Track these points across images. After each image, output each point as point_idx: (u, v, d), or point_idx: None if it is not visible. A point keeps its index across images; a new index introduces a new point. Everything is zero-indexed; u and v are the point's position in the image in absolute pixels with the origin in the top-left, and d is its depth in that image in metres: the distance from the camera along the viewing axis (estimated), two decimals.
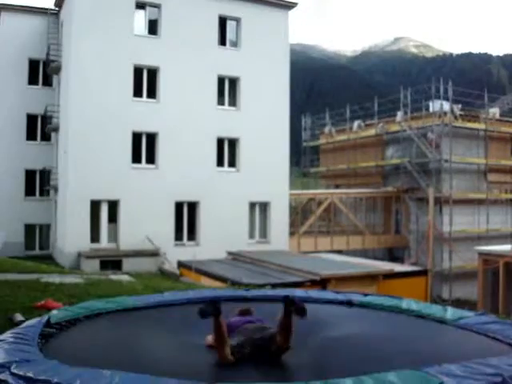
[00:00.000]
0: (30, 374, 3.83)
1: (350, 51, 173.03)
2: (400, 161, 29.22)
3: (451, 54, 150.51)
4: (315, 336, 5.93)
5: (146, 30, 23.77)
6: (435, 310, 6.96)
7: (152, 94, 23.62)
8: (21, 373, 3.89)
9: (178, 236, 23.90)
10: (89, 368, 3.94)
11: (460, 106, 29.55)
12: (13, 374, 3.91)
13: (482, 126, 29.23)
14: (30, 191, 27.25)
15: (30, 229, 26.96)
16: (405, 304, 7.18)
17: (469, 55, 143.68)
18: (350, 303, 7.58)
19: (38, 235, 27.47)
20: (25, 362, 4.17)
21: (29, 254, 25.42)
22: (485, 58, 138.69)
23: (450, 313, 6.62)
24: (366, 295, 7.99)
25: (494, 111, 31.72)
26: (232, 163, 25.19)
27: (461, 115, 29.12)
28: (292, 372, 4.78)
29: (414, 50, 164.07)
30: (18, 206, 26.04)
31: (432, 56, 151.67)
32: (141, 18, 23.61)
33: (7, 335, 5.09)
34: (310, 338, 5.76)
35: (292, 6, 26.45)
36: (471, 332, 5.99)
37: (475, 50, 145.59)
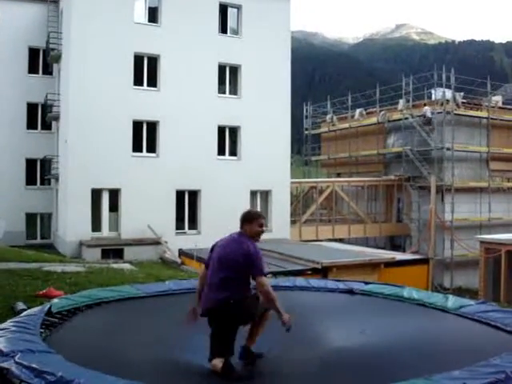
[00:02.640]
0: (34, 365, 3.85)
1: (351, 38, 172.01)
2: (402, 149, 29.11)
3: (453, 41, 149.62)
4: (317, 325, 5.93)
5: (146, 18, 23.59)
6: (436, 298, 6.97)
7: (152, 82, 23.49)
8: (25, 363, 3.91)
9: (179, 225, 23.90)
10: (91, 365, 3.93)
11: (462, 93, 29.38)
12: (17, 364, 3.93)
13: (484, 113, 29.06)
14: (30, 180, 27.25)
15: (31, 218, 26.99)
16: (406, 292, 7.19)
17: (471, 42, 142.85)
18: (351, 292, 7.59)
19: (39, 224, 27.51)
20: (29, 352, 4.19)
21: (30, 243, 25.48)
22: (487, 45, 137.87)
23: (451, 301, 6.62)
24: (367, 283, 7.99)
25: (497, 99, 31.55)
26: (233, 152, 25.12)
27: (463, 103, 28.95)
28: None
29: (416, 37, 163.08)
30: (18, 195, 26.03)
31: (434, 43, 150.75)
32: (141, 6, 23.43)
33: (9, 324, 5.11)
34: (312, 328, 5.75)
35: None
36: (471, 320, 5.99)
37: (478, 37, 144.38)
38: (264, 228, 4.99)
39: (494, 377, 3.64)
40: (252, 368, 4.68)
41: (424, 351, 4.89)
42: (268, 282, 4.69)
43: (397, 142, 30.54)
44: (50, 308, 5.94)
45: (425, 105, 28.54)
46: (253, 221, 4.87)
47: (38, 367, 3.80)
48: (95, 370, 3.87)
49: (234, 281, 4.63)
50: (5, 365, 3.97)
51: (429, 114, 27.71)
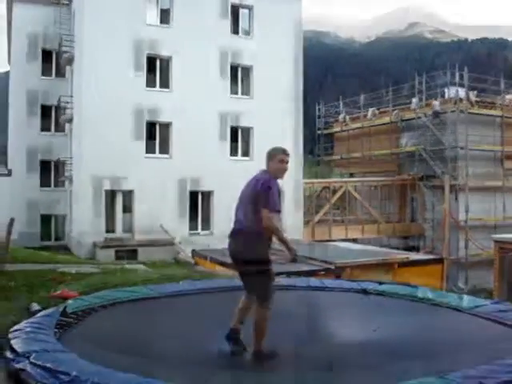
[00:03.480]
0: (49, 365, 3.85)
1: (363, 37, 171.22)
2: (415, 148, 28.92)
3: (466, 40, 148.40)
4: (330, 324, 5.92)
5: (158, 20, 23.69)
6: (450, 298, 6.92)
7: (165, 83, 23.58)
8: (40, 363, 3.91)
9: (193, 225, 23.95)
10: (106, 364, 3.94)
11: (476, 92, 29.14)
12: (32, 364, 3.94)
13: (498, 112, 28.81)
14: (45, 182, 27.48)
15: (45, 219, 27.22)
16: (420, 292, 7.14)
17: (484, 41, 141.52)
18: (365, 292, 7.56)
19: (53, 226, 27.73)
20: (44, 352, 4.19)
21: (44, 244, 25.64)
22: (501, 44, 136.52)
23: (466, 301, 6.57)
24: (381, 284, 7.95)
25: (511, 97, 31.24)
26: (245, 152, 25.13)
27: (476, 102, 28.72)
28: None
29: (428, 36, 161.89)
30: (33, 197, 26.28)
31: (447, 41, 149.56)
32: (153, 8, 23.54)
33: (24, 324, 5.14)
34: (325, 327, 5.75)
35: None
36: (486, 320, 5.95)
37: (491, 35, 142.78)
38: (286, 164, 5.00)
39: (510, 376, 3.60)
40: (264, 362, 4.70)
41: (439, 350, 4.86)
42: (272, 216, 4.67)
43: (410, 141, 30.35)
44: (65, 308, 5.98)
45: (435, 99, 28.44)
46: (272, 157, 4.95)
47: (53, 367, 3.80)
48: (110, 368, 3.89)
49: (250, 214, 4.75)
50: (20, 365, 3.98)
51: (437, 108, 27.56)
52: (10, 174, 26.41)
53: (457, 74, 27.65)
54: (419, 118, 28.70)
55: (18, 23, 26.49)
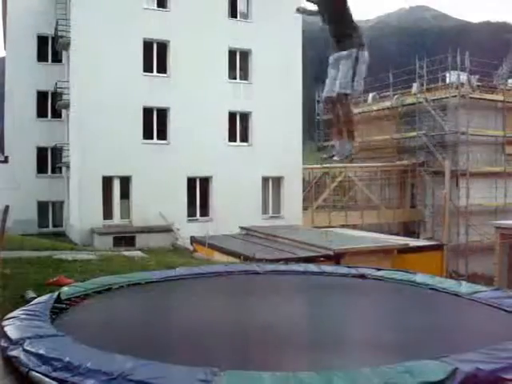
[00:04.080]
0: (41, 351, 3.84)
1: (364, 21, 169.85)
2: (416, 133, 28.70)
3: (469, 23, 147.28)
4: (328, 307, 5.86)
5: (155, 3, 23.39)
6: (449, 284, 6.85)
7: (162, 68, 23.34)
8: (33, 349, 3.91)
9: (191, 212, 23.83)
10: (100, 349, 3.91)
11: (477, 76, 28.86)
12: (25, 351, 3.94)
13: (500, 97, 28.54)
14: (42, 169, 27.32)
15: (42, 206, 27.12)
16: (418, 278, 7.08)
17: (487, 24, 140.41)
18: (363, 277, 7.49)
19: (50, 212, 27.65)
20: (37, 338, 4.20)
21: (42, 231, 25.62)
22: (503, 27, 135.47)
23: (464, 287, 6.49)
24: (379, 270, 7.87)
25: None
26: (244, 138, 24.93)
27: (478, 86, 28.46)
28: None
29: (430, 20, 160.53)
30: (30, 184, 26.13)
31: (449, 25, 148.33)
32: None
33: (19, 312, 5.13)
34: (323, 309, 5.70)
35: None
36: (485, 305, 5.87)
37: (493, 19, 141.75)
38: None
39: (507, 362, 3.50)
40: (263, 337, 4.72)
41: (437, 334, 4.84)
42: None
43: (411, 126, 30.11)
44: (59, 295, 5.95)
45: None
46: None
47: (46, 353, 3.79)
48: (104, 352, 3.81)
49: None
50: (14, 353, 3.98)
51: None
52: (6, 160, 26.25)
53: (458, 58, 27.34)
54: (420, 102, 28.44)
55: (14, 8, 26.14)
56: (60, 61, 27.25)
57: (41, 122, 27.01)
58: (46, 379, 3.55)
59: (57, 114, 27.42)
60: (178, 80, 23.11)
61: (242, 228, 21.62)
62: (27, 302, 6.20)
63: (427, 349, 4.13)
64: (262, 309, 5.77)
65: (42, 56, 27.17)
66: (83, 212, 22.08)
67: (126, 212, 22.91)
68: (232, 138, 24.61)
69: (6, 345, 4.20)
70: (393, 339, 4.68)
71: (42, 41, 27.13)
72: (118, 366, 3.45)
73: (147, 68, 23.00)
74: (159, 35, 23.08)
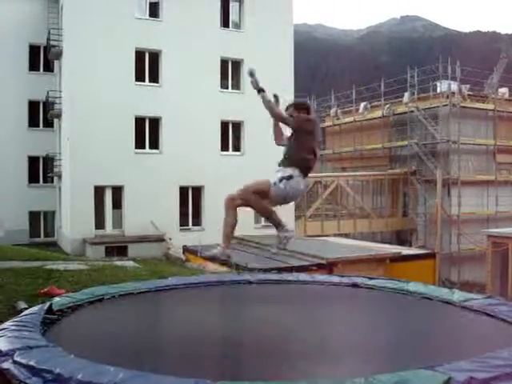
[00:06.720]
0: (32, 363, 3.74)
1: (355, 31, 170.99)
2: (407, 142, 28.85)
3: (459, 33, 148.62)
4: (319, 315, 5.83)
5: (147, 13, 23.42)
6: (441, 292, 6.83)
7: (154, 78, 23.33)
8: (23, 361, 3.80)
9: (183, 221, 23.75)
10: (91, 360, 3.82)
11: (468, 86, 29.09)
12: (15, 363, 3.83)
13: (490, 106, 28.76)
14: (33, 178, 27.13)
15: (34, 216, 26.90)
16: (411, 287, 7.06)
17: (477, 33, 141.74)
18: (355, 286, 7.47)
19: (42, 222, 27.44)
20: (27, 350, 4.09)
21: (33, 241, 25.37)
22: (493, 37, 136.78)
23: (457, 296, 6.48)
24: (371, 279, 7.86)
25: (503, 91, 31.23)
26: (236, 147, 24.93)
27: (469, 95, 28.68)
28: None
29: (421, 29, 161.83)
30: (21, 193, 25.92)
31: (440, 35, 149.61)
32: (142, 1, 23.25)
33: (9, 323, 5.05)
34: (313, 318, 5.68)
35: None
36: (478, 313, 5.86)
37: (484, 28, 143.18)
38: None
39: (501, 370, 3.48)
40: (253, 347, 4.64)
41: (429, 342, 4.79)
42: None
43: (402, 135, 30.28)
44: (50, 306, 5.89)
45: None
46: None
47: (36, 365, 3.69)
48: (95, 363, 3.76)
49: None
50: (4, 365, 3.87)
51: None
52: None
53: (449, 68, 27.56)
54: (411, 112, 28.61)
55: (5, 17, 26.06)
56: (52, 70, 27.18)
57: (32, 132, 26.88)
58: None
59: (48, 124, 27.31)
60: (170, 89, 23.11)
61: (234, 237, 21.57)
62: (18, 312, 6.15)
63: (420, 358, 4.11)
64: (255, 319, 5.74)
65: (33, 65, 27.07)
66: (75, 222, 21.95)
67: (118, 222, 22.80)
68: (224, 147, 24.61)
69: None
70: (385, 348, 4.65)
71: (33, 50, 27.04)
72: (110, 378, 3.40)
73: (139, 77, 22.98)
74: (151, 44, 23.09)
